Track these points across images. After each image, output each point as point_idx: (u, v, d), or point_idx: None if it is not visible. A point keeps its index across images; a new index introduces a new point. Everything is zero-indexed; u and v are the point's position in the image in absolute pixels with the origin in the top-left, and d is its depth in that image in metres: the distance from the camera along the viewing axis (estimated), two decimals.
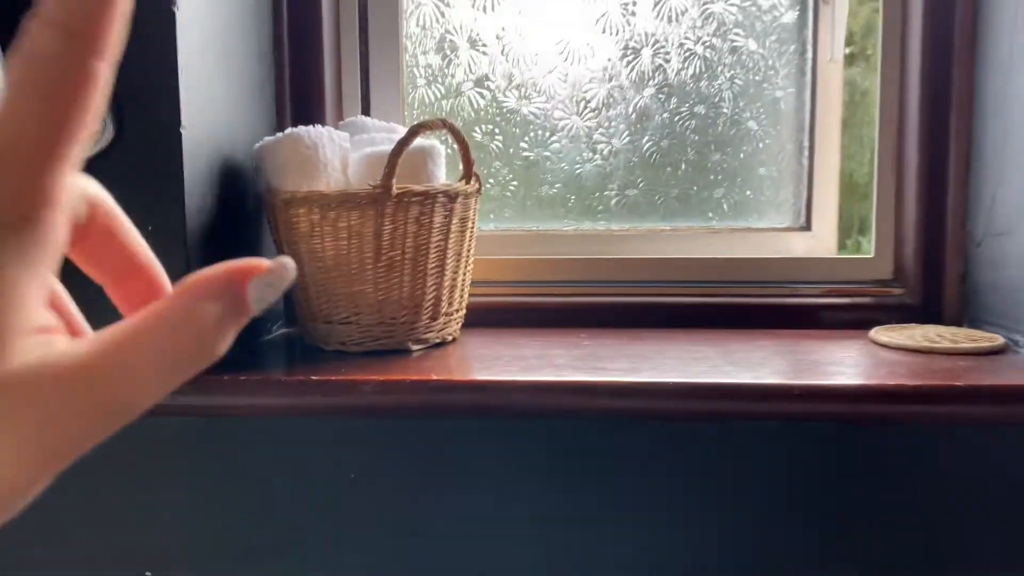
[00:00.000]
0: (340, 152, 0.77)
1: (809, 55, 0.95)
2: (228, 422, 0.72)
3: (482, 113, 0.96)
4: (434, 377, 0.64)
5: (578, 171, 0.97)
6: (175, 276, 0.65)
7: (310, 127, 0.76)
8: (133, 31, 0.64)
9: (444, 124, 0.73)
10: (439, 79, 0.96)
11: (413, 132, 0.71)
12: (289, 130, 0.75)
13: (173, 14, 0.65)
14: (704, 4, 0.95)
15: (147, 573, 0.73)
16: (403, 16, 0.94)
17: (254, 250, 0.80)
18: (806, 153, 0.96)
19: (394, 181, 0.70)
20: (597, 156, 0.97)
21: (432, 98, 0.96)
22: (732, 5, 0.95)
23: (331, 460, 0.73)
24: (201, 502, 0.73)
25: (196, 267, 0.67)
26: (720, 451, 0.70)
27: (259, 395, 0.65)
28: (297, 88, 0.87)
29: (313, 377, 0.65)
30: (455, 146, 0.78)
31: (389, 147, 0.75)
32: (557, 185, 0.97)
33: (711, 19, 0.95)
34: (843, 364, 0.69)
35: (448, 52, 0.96)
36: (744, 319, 0.87)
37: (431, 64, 0.96)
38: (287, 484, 0.73)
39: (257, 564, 0.73)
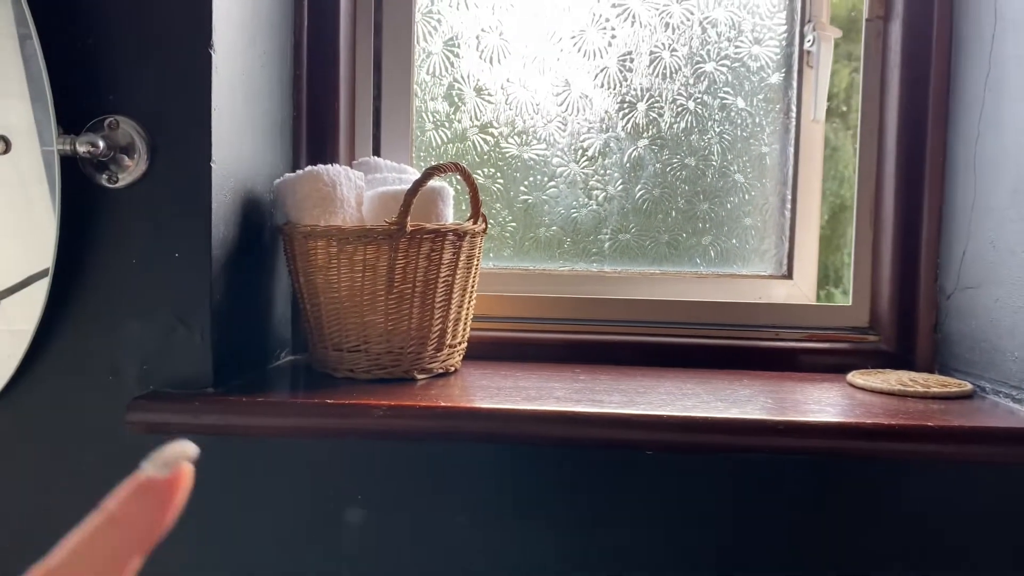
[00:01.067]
0: (355, 190, 0.82)
1: (793, 114, 1.02)
2: (243, 441, 0.75)
3: (485, 157, 1.01)
4: (442, 404, 0.68)
5: (574, 215, 1.02)
6: (199, 301, 0.68)
7: (328, 166, 0.80)
8: (170, 67, 0.68)
9: (456, 168, 0.78)
10: (446, 124, 1.01)
11: (428, 174, 0.76)
12: (309, 168, 0.80)
13: (210, 56, 0.70)
14: (696, 63, 1.02)
15: None
16: (415, 65, 0.99)
17: (269, 277, 0.84)
18: (788, 206, 1.02)
19: (408, 219, 0.75)
20: (592, 202, 1.02)
21: (439, 141, 1.01)
22: (723, 65, 1.02)
23: (339, 480, 0.76)
24: (213, 518, 0.76)
25: (218, 292, 0.71)
26: (709, 481, 0.74)
27: (276, 416, 0.69)
28: (313, 128, 0.92)
29: (328, 400, 0.69)
30: (460, 186, 0.83)
31: (402, 187, 0.80)
32: (554, 228, 1.02)
33: (703, 77, 1.02)
34: (824, 403, 0.73)
35: (455, 99, 1.01)
36: (729, 360, 0.92)
37: (439, 110, 1.01)
38: (295, 503, 0.76)
39: None
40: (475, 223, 0.81)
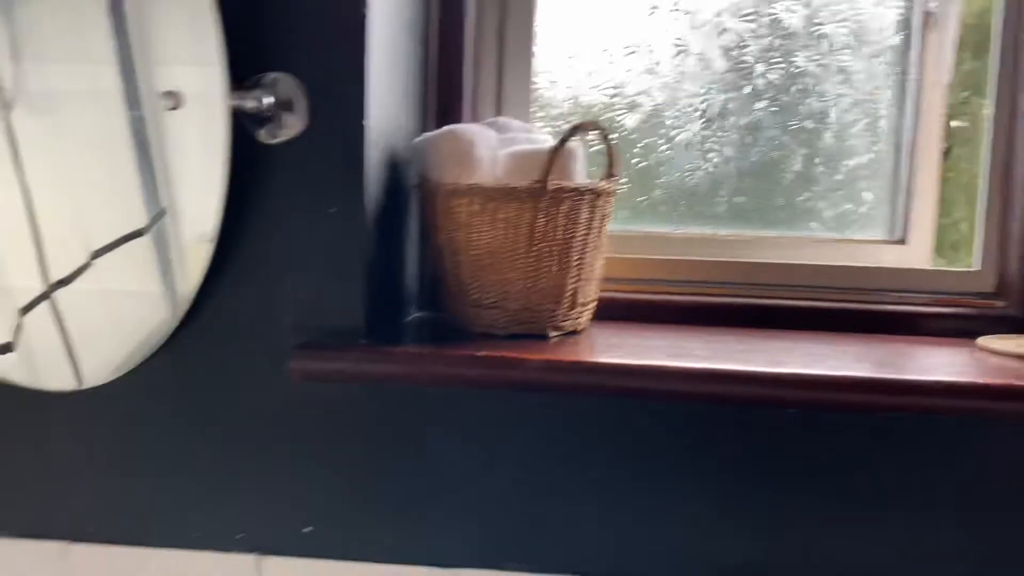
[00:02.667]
0: (490, 149, 0.83)
1: (914, 76, 1.00)
2: (395, 390, 0.78)
3: (601, 116, 1.02)
4: (600, 360, 0.70)
5: (688, 178, 1.03)
6: (353, 256, 0.71)
7: (466, 125, 0.82)
8: (327, 31, 0.70)
9: (597, 126, 0.79)
10: (563, 83, 1.02)
11: (572, 132, 0.77)
12: (448, 127, 0.81)
13: (364, 16, 0.72)
14: (816, 24, 1.01)
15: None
16: (536, 25, 1.00)
17: (403, 235, 0.86)
18: (905, 170, 1.01)
19: (550, 177, 0.76)
20: (708, 164, 1.02)
21: (555, 100, 1.02)
22: (842, 26, 1.00)
23: (484, 430, 0.78)
24: (366, 461, 0.79)
25: (370, 247, 0.73)
26: (862, 443, 0.75)
27: (429, 365, 0.71)
28: (441, 88, 0.93)
29: (480, 352, 0.71)
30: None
31: (537, 146, 0.81)
32: (669, 190, 1.03)
33: (822, 39, 1.01)
34: (962, 366, 0.74)
35: (577, 57, 1.02)
36: (852, 324, 0.92)
37: (557, 69, 1.02)
38: (441, 449, 0.78)
39: (408, 522, 0.79)
40: (610, 182, 0.82)
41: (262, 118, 0.72)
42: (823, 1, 1.00)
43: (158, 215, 0.73)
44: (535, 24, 0.99)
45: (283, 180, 0.73)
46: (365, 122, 0.73)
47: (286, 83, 0.72)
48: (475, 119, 0.97)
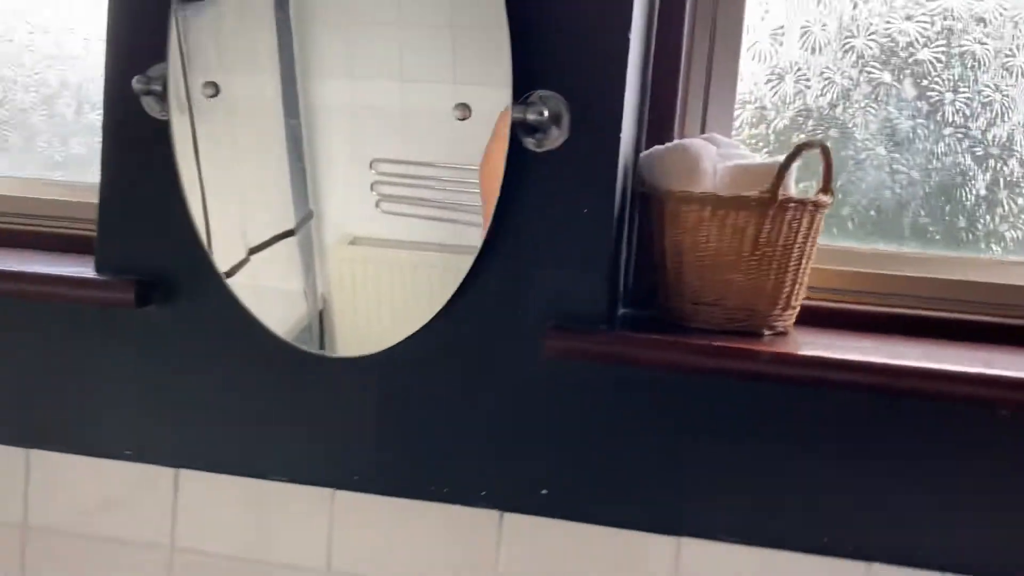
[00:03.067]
0: (712, 162, 0.92)
1: None
2: (630, 370, 0.87)
3: (798, 137, 1.10)
4: (826, 355, 0.78)
5: (876, 197, 1.10)
6: (601, 252, 0.81)
7: (693, 139, 0.91)
8: (595, 50, 0.81)
9: (820, 145, 0.87)
10: (766, 105, 1.10)
11: (799, 150, 0.85)
12: (677, 141, 0.91)
13: (628, 43, 0.82)
14: (1006, 56, 1.06)
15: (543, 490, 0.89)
16: (743, 49, 1.08)
17: (622, 240, 0.96)
18: None
19: (780, 189, 0.85)
20: (896, 184, 1.09)
21: (754, 121, 1.11)
22: None
23: (708, 417, 0.87)
24: (594, 435, 0.89)
25: (616, 244, 0.83)
26: None
27: (665, 351, 0.81)
28: (655, 106, 1.03)
29: (714, 343, 0.80)
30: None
31: (758, 161, 0.90)
32: (859, 207, 1.10)
33: (1011, 71, 1.07)
34: None
35: (775, 82, 1.10)
36: None
37: (756, 91, 1.10)
38: (669, 431, 0.87)
39: (633, 490, 0.88)
40: (827, 195, 0.90)
41: (531, 129, 0.83)
42: (1016, 42, 1.06)
43: None
44: (741, 49, 1.08)
45: (545, 183, 0.84)
46: (621, 135, 0.83)
47: (554, 100, 0.83)
48: (683, 135, 1.07)
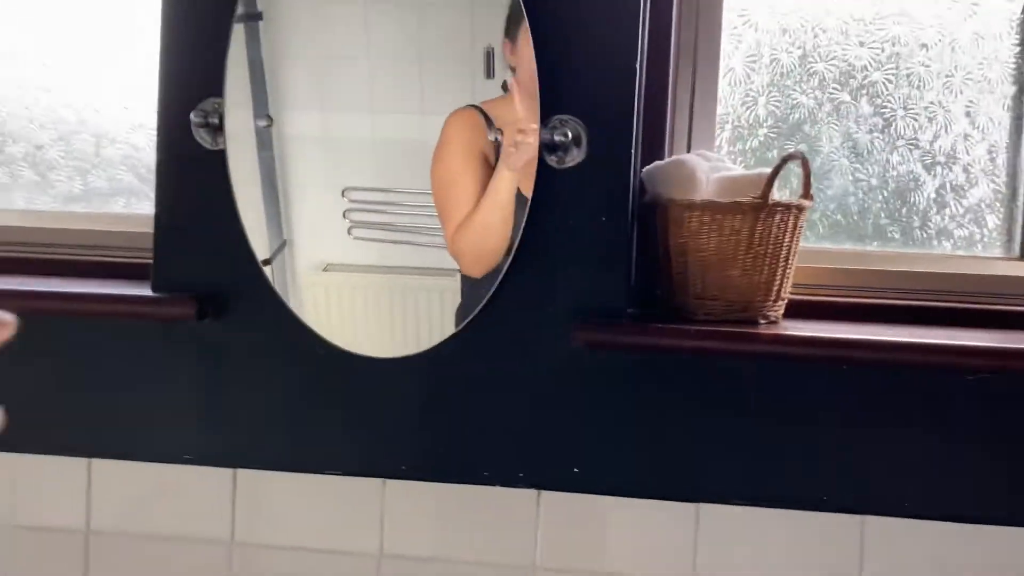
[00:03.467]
0: (705, 173, 1.05)
1: None
2: (651, 356, 0.99)
3: (771, 150, 1.24)
4: (820, 335, 0.90)
5: (841, 203, 1.24)
6: (619, 253, 0.93)
7: (689, 155, 1.04)
8: (608, 78, 0.94)
9: (800, 156, 1.01)
10: (737, 122, 1.24)
11: (783, 161, 0.99)
12: (675, 156, 1.04)
13: (635, 71, 0.94)
14: (946, 77, 1.22)
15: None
16: (720, 76, 1.22)
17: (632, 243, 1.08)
18: (1022, 198, 1.22)
19: (769, 195, 0.98)
20: (858, 191, 1.24)
21: (731, 138, 1.24)
22: (968, 78, 1.22)
23: (720, 392, 0.99)
24: (621, 415, 1.00)
25: (631, 248, 0.95)
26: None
27: (681, 338, 0.92)
28: (647, 126, 1.15)
29: (723, 328, 0.92)
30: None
31: (746, 172, 1.03)
32: (829, 211, 1.23)
33: (951, 89, 1.22)
34: None
35: (750, 103, 1.24)
36: (980, 321, 1.11)
37: (733, 112, 1.24)
38: (692, 410, 0.99)
39: (661, 461, 1.00)
40: (808, 199, 1.03)
41: (553, 148, 0.95)
42: (954, 64, 1.21)
43: None
44: (719, 75, 1.22)
45: (568, 195, 0.96)
46: (633, 151, 0.95)
47: (573, 123, 0.95)
48: (672, 152, 1.20)
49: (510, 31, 0.98)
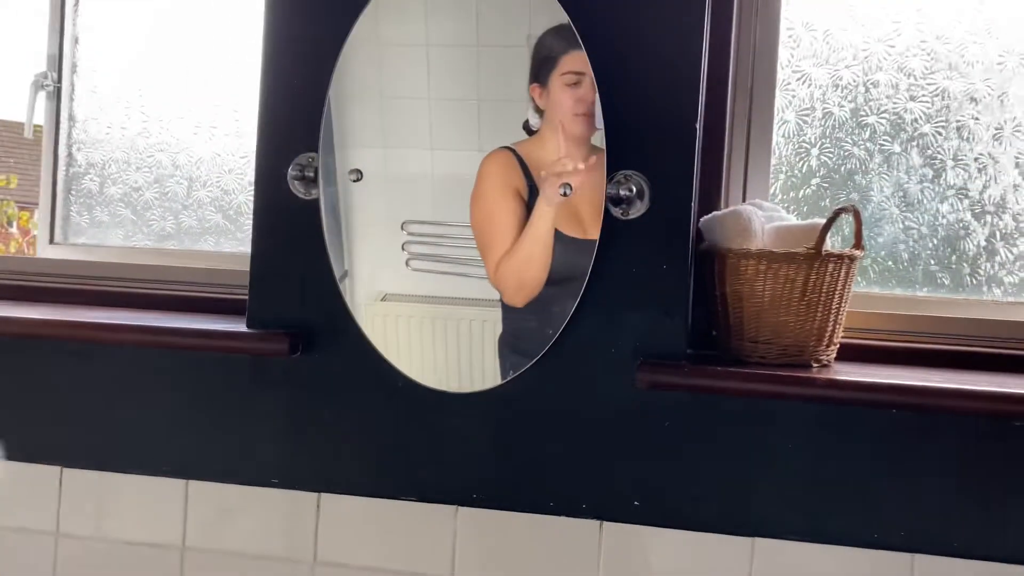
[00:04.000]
0: (760, 223, 1.11)
1: None
2: (709, 398, 1.05)
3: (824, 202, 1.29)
4: (872, 380, 0.95)
5: (892, 250, 1.28)
6: (679, 299, 0.99)
7: (744, 205, 1.10)
8: (669, 137, 1.01)
9: (852, 208, 1.06)
10: (792, 172, 1.30)
11: (836, 214, 1.05)
12: (732, 207, 1.10)
13: (696, 129, 1.01)
14: (995, 129, 1.27)
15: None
16: (775, 128, 1.28)
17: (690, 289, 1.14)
18: None
19: (822, 246, 1.03)
20: (909, 239, 1.28)
21: (783, 188, 1.30)
22: (1017, 131, 1.26)
23: (774, 435, 1.05)
24: (678, 451, 1.06)
25: (688, 292, 1.01)
26: None
27: (740, 381, 0.98)
28: (704, 177, 1.21)
29: (779, 372, 0.98)
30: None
31: (801, 222, 1.09)
32: (879, 257, 1.28)
33: (1000, 140, 1.27)
34: None
35: (803, 155, 1.30)
36: None
37: (786, 162, 1.30)
38: (740, 447, 1.05)
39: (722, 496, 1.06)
40: (860, 249, 1.09)
41: (618, 200, 1.02)
42: (1004, 117, 1.26)
43: None
44: (774, 127, 1.28)
45: (631, 245, 1.03)
46: (692, 204, 1.02)
47: (636, 178, 1.02)
48: (727, 200, 1.26)
49: (540, 76, 1.07)
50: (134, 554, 1.16)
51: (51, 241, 1.50)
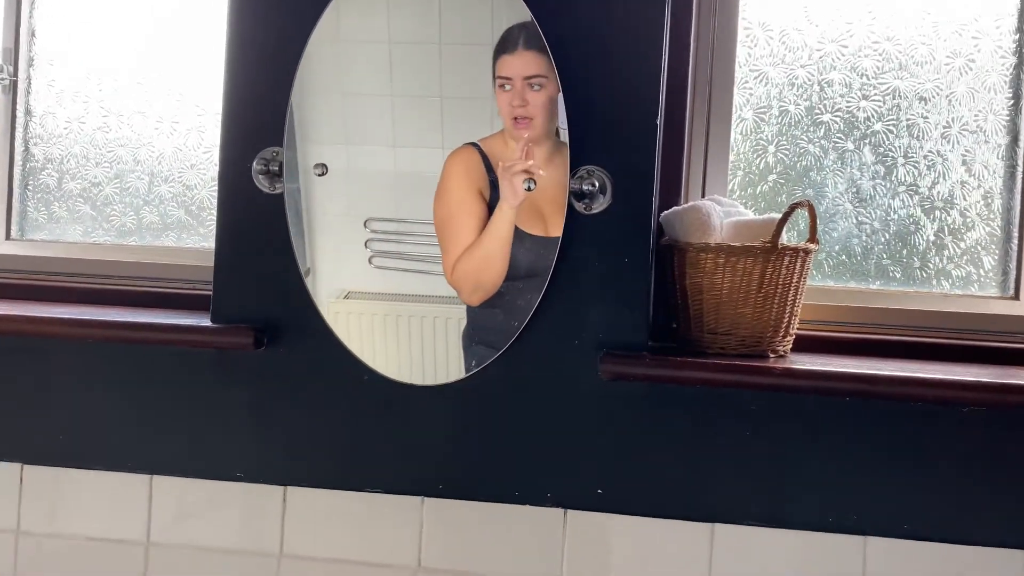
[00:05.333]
0: (719, 218, 1.14)
1: (1021, 168, 1.30)
2: (669, 388, 1.07)
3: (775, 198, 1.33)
4: (822, 368, 0.99)
5: (846, 244, 1.32)
6: (639, 291, 1.01)
7: (703, 201, 1.13)
8: (630, 135, 1.04)
9: (808, 204, 1.10)
10: (750, 168, 1.33)
11: (792, 208, 1.08)
12: (692, 203, 1.13)
13: (656, 126, 1.04)
14: (944, 127, 1.31)
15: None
16: (733, 126, 1.31)
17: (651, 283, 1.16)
18: (1015, 241, 1.30)
19: (779, 240, 1.06)
20: (862, 233, 1.32)
21: (741, 184, 1.33)
22: (964, 129, 1.31)
23: (730, 422, 1.07)
24: (641, 442, 1.08)
25: (648, 285, 1.03)
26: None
27: (699, 371, 1.01)
28: (665, 174, 1.24)
29: (736, 362, 1.00)
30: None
31: (757, 217, 1.12)
32: (834, 252, 1.32)
33: (948, 139, 1.31)
34: None
35: (760, 151, 1.33)
36: (976, 356, 1.19)
37: (744, 159, 1.33)
38: (697, 435, 1.07)
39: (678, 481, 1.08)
40: (814, 243, 1.12)
41: (582, 195, 1.04)
42: (951, 116, 1.31)
43: None
44: (732, 125, 1.31)
45: (593, 238, 1.05)
46: (654, 199, 1.04)
47: (599, 173, 1.04)
48: (688, 196, 1.28)
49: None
50: (97, 550, 1.15)
51: (7, 237, 1.48)
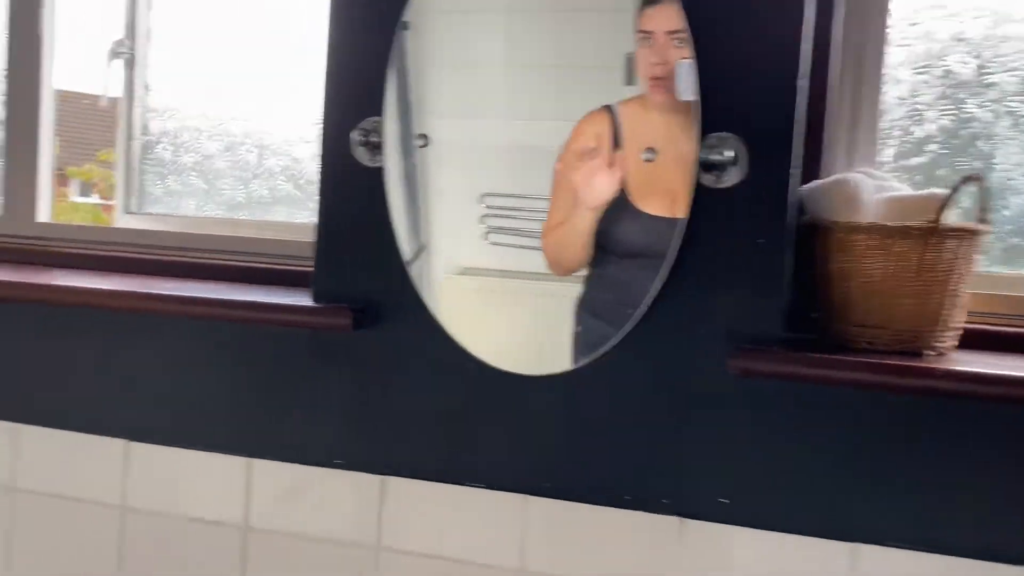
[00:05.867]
0: (870, 194, 0.99)
1: None
2: (809, 388, 0.95)
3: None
4: (991, 372, 0.84)
5: (1020, 224, 1.15)
6: (775, 278, 0.89)
7: (853, 173, 0.99)
8: (768, 96, 0.89)
9: (979, 177, 0.94)
10: (905, 137, 1.17)
11: (961, 182, 0.92)
12: (838, 175, 0.99)
13: (796, 87, 0.90)
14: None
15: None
16: (885, 88, 1.16)
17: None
18: None
19: (941, 219, 0.91)
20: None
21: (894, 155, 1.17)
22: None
23: (882, 434, 0.94)
24: (777, 445, 0.96)
25: (788, 271, 0.89)
26: None
27: (845, 370, 0.88)
28: (808, 144, 1.10)
29: (889, 361, 0.87)
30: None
31: (907, 192, 0.97)
32: (1003, 233, 1.15)
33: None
34: None
35: (915, 119, 1.17)
36: None
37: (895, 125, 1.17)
38: (837, 444, 0.94)
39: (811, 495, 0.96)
40: (985, 224, 0.96)
41: (711, 166, 0.92)
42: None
43: None
44: (882, 87, 1.15)
45: (725, 216, 0.93)
46: (792, 171, 0.91)
47: (732, 141, 0.92)
48: (832, 169, 1.14)
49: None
50: (197, 531, 1.14)
51: (127, 210, 1.49)
